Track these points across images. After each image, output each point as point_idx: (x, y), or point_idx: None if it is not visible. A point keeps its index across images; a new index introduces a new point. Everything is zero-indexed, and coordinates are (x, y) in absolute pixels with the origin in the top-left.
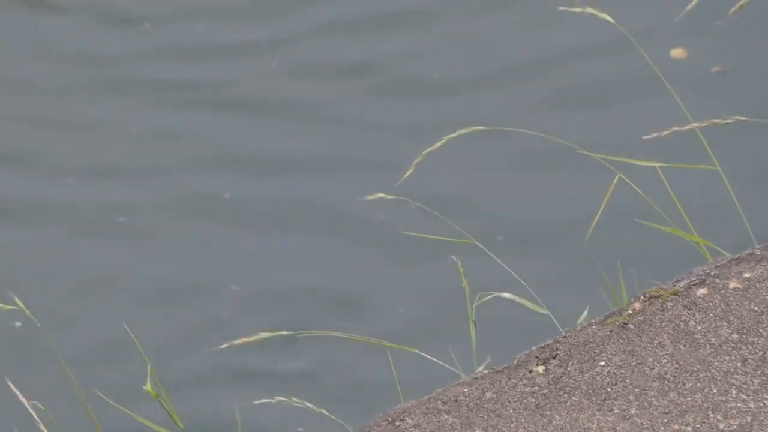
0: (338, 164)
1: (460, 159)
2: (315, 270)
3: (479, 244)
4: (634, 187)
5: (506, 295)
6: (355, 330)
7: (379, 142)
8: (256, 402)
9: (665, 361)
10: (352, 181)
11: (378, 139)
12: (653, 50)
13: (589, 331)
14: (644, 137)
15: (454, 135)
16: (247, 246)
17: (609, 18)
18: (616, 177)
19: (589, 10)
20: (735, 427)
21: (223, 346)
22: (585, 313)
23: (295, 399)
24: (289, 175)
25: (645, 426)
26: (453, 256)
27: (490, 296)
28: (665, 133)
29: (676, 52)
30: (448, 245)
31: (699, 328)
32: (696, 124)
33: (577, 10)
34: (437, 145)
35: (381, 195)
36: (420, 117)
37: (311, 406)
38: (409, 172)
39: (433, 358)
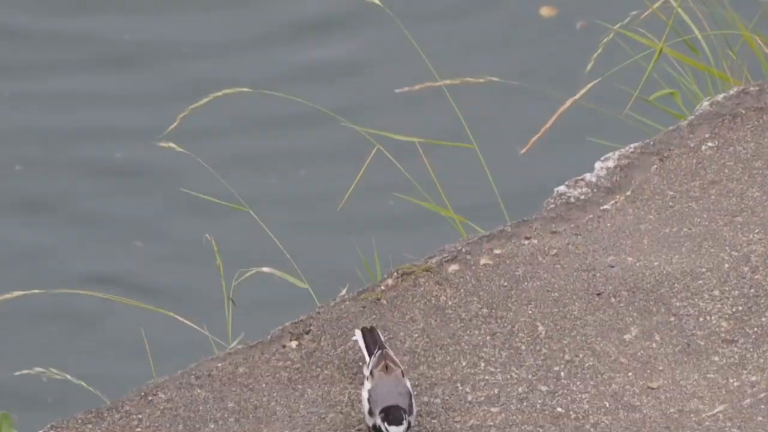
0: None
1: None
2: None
3: (250, 210)
4: (392, 159)
5: (267, 269)
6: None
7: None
8: (17, 373)
9: (416, 335)
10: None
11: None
12: (522, 7)
13: (343, 306)
14: (396, 90)
15: (219, 93)
16: None
17: None
18: (374, 149)
19: None
20: (483, 398)
21: None
22: (344, 290)
23: (53, 370)
24: None
25: None
26: (206, 235)
27: (250, 272)
28: (417, 87)
29: (546, 10)
30: (221, 212)
31: (450, 303)
32: (447, 81)
33: None
34: (202, 101)
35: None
36: (189, 79)
37: (69, 377)
38: (174, 125)
39: (189, 323)
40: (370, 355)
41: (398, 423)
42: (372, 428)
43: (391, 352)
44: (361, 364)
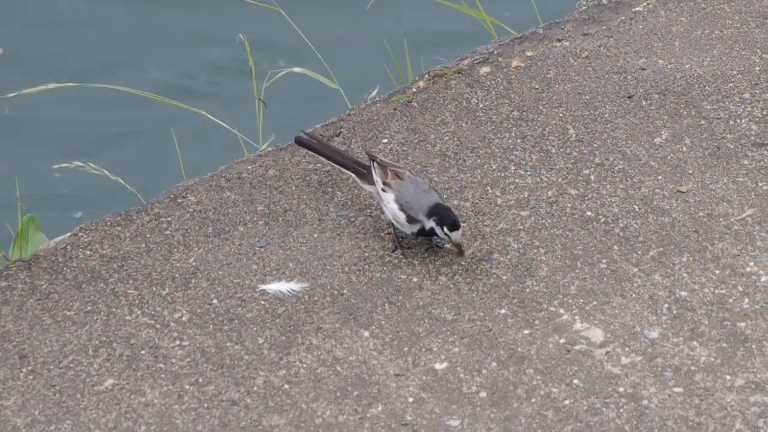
0: None
1: None
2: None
3: (280, 9)
4: None
5: (298, 69)
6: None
7: None
8: (55, 166)
9: (447, 138)
10: None
11: None
12: None
13: (374, 109)
14: None
15: None
16: None
17: None
18: None
19: None
20: (512, 201)
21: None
22: (375, 91)
23: (91, 165)
24: None
25: None
26: (240, 35)
27: (282, 72)
28: None
29: None
30: (248, 8)
31: (481, 105)
32: None
33: None
34: None
35: None
36: None
37: (108, 173)
38: None
39: (220, 122)
40: (347, 168)
41: (457, 226)
42: (418, 233)
43: (383, 158)
44: (347, 178)
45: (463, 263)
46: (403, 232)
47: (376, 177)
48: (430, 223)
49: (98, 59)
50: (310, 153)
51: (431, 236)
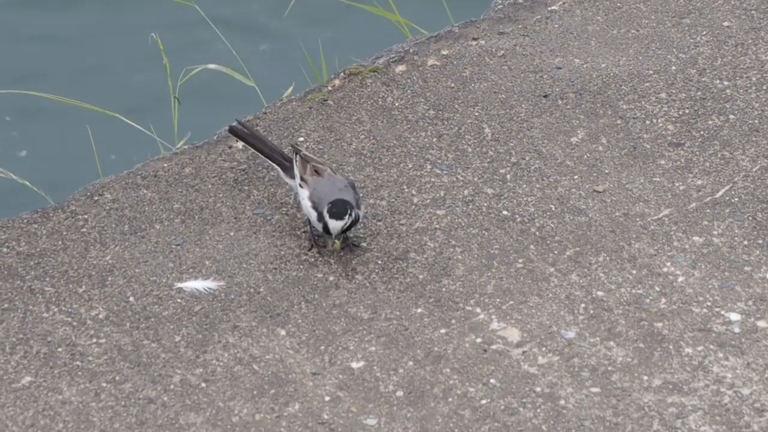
0: None
1: None
2: None
3: (197, 7)
4: None
5: (213, 66)
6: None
7: None
8: None
9: (363, 137)
10: None
11: None
12: None
13: (289, 107)
14: None
15: None
16: None
17: None
18: None
19: None
20: (428, 201)
21: None
22: (290, 89)
23: (0, 170)
24: None
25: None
26: (152, 34)
27: (197, 69)
28: None
29: None
30: (167, 7)
31: (397, 104)
32: None
33: None
34: None
35: None
36: None
37: (15, 177)
38: None
39: (134, 124)
40: (272, 161)
41: (340, 217)
42: (323, 230)
43: (306, 152)
44: (271, 172)
45: (379, 262)
46: (318, 230)
47: (296, 171)
48: (326, 216)
49: (10, 65)
50: (241, 142)
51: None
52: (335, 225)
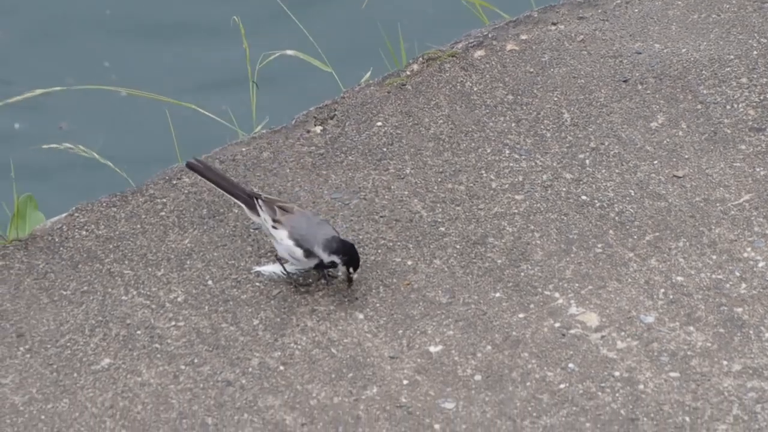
0: None
1: None
2: None
3: None
4: None
5: (291, 52)
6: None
7: None
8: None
9: (441, 121)
10: None
11: None
12: None
13: (368, 92)
14: None
15: None
16: None
17: None
18: None
19: None
20: (507, 185)
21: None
22: (368, 74)
23: (81, 147)
24: None
25: (419, 185)
26: (234, 17)
27: (275, 55)
28: None
29: None
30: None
31: (475, 89)
32: None
33: None
34: None
35: None
36: None
37: (97, 156)
38: None
39: (211, 114)
40: (235, 197)
41: (355, 255)
42: (315, 267)
43: (268, 195)
44: (234, 206)
45: (458, 247)
46: (297, 267)
47: (264, 215)
48: (331, 258)
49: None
50: (200, 179)
51: (330, 269)
52: (357, 259)
